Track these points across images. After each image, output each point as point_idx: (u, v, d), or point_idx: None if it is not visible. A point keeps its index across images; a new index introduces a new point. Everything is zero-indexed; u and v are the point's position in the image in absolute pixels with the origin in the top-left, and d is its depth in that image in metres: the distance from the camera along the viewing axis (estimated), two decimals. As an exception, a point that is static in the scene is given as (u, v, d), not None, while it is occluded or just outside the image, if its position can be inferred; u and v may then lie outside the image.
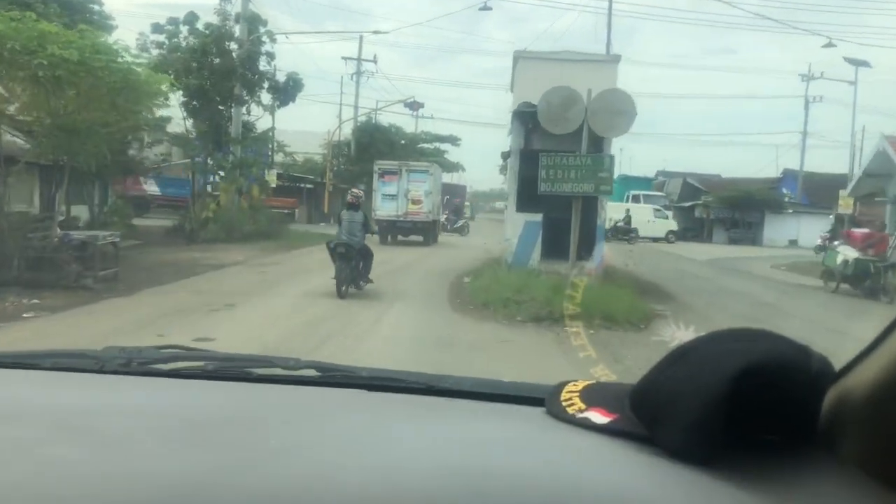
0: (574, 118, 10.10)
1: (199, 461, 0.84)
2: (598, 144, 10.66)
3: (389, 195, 26.22)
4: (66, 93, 10.99)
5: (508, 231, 13.83)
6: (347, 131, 45.69)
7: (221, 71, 23.31)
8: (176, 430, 0.94)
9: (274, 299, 11.08)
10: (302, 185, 42.71)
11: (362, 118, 45.80)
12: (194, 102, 23.35)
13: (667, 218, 41.31)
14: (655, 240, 37.26)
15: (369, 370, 1.35)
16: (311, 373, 1.30)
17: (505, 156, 15.42)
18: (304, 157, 45.43)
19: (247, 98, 24.72)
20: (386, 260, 16.38)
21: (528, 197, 13.28)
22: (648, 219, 39.35)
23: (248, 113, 26.52)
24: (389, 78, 73.00)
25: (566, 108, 10.01)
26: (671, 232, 40.13)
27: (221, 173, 23.93)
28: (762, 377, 0.76)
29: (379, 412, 1.11)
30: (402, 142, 51.02)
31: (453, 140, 53.85)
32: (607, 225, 17.35)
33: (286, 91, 26.34)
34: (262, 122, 28.09)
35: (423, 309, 10.89)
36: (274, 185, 39.07)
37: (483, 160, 76.72)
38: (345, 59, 44.66)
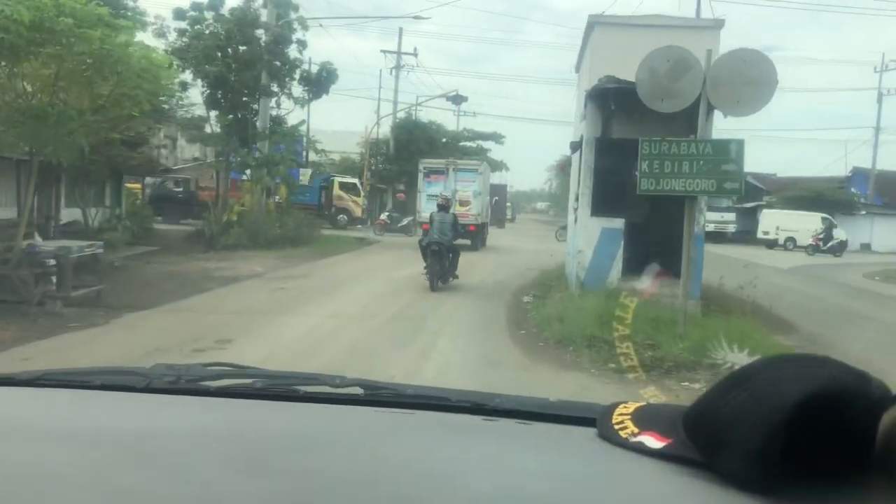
0: (687, 90, 7.35)
1: (263, 489, 0.83)
2: (691, 125, 7.86)
3: (435, 196, 24.84)
4: (24, 66, 8.63)
5: (580, 241, 11.09)
6: (386, 129, 43.35)
7: (246, 58, 21.07)
8: (235, 454, 0.94)
9: (284, 333, 8.54)
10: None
11: (401, 114, 43.36)
12: (217, 93, 21.21)
13: (732, 221, 38.50)
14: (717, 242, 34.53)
15: (415, 388, 1.34)
16: (357, 390, 1.29)
17: (575, 146, 12.64)
18: (340, 156, 43.15)
19: (275, 90, 22.43)
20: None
21: (605, 197, 10.59)
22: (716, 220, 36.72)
23: (278, 106, 24.30)
24: (430, 72, 70.16)
25: (676, 76, 7.27)
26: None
27: (248, 172, 21.63)
28: (823, 403, 0.75)
29: (427, 434, 1.09)
30: (444, 140, 48.72)
31: (497, 138, 51.10)
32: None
33: (319, 82, 24.00)
34: (294, 116, 25.76)
35: (479, 345, 8.26)
36: (307, 184, 37.19)
37: (523, 159, 72.90)
38: (384, 52, 42.41)
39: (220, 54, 20.62)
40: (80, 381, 1.31)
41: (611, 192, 10.42)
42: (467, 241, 23.25)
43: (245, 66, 20.92)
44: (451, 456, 0.96)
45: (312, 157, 34.84)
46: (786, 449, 0.75)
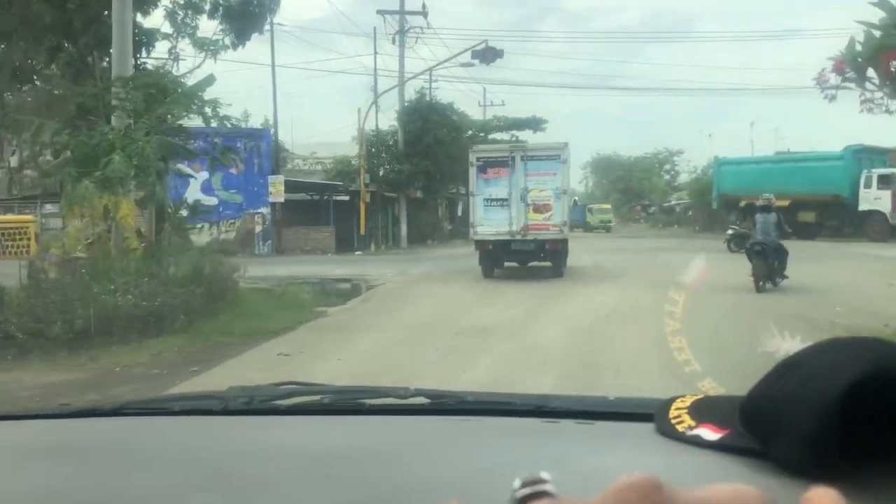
0: None
1: (330, 500, 0.86)
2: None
3: (497, 200, 15.33)
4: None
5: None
6: (391, 119, 31.85)
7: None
8: (304, 470, 0.97)
9: None
10: (325, 197, 28.98)
11: (411, 99, 31.82)
12: None
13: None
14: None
15: (476, 394, 1.40)
16: (422, 400, 1.32)
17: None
18: (333, 159, 31.74)
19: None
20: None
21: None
22: None
23: (175, 60, 13.21)
24: (443, 35, 57.55)
25: None
26: None
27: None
28: (875, 386, 0.74)
29: (487, 438, 1.12)
30: (470, 132, 37.36)
31: (537, 124, 39.26)
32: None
33: (246, 15, 13.13)
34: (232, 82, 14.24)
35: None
36: (281, 199, 25.82)
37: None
38: (380, 13, 30.85)
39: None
40: (160, 409, 1.37)
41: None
42: (546, 264, 15.40)
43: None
44: (512, 458, 0.98)
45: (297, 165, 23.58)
46: (843, 434, 0.74)
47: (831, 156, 28.91)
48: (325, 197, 28.76)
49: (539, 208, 15.21)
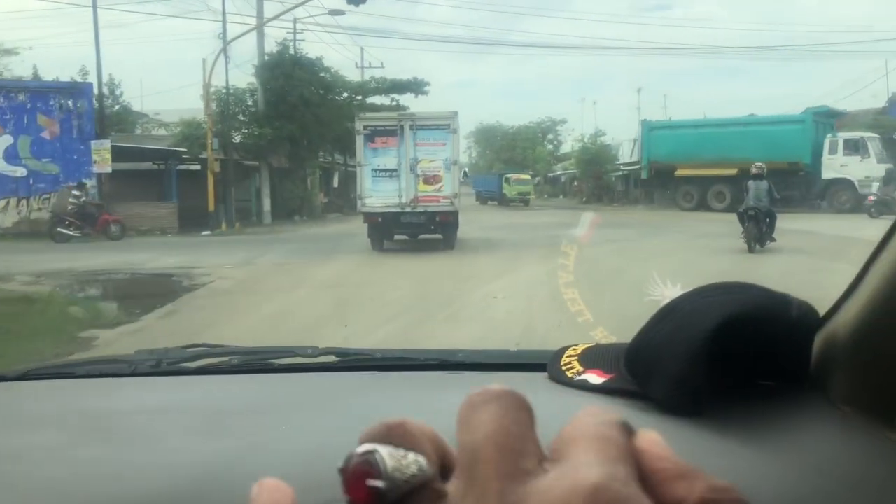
0: None
1: (213, 450, 0.86)
2: None
3: (386, 171, 14.99)
4: None
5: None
6: (251, 77, 27.35)
7: None
8: (196, 423, 0.97)
9: None
10: (166, 166, 24.34)
11: (272, 52, 27.43)
12: None
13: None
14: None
15: (384, 351, 1.39)
16: (331, 358, 1.34)
17: None
18: (181, 122, 26.90)
19: None
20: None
21: None
22: None
23: None
24: None
25: None
26: None
27: None
28: (742, 326, 0.78)
29: (392, 391, 1.15)
30: (345, 94, 33.70)
31: (419, 87, 35.95)
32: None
33: None
34: None
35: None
36: (108, 169, 21.19)
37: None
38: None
39: None
40: (66, 373, 1.35)
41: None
42: (437, 236, 15.22)
43: None
44: (416, 408, 1.00)
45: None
46: (719, 373, 0.77)
47: (789, 118, 26.68)
48: (171, 166, 24.15)
49: (429, 179, 14.84)
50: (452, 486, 0.30)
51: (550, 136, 63.78)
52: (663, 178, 28.43)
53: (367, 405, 1.04)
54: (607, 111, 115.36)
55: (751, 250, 12.32)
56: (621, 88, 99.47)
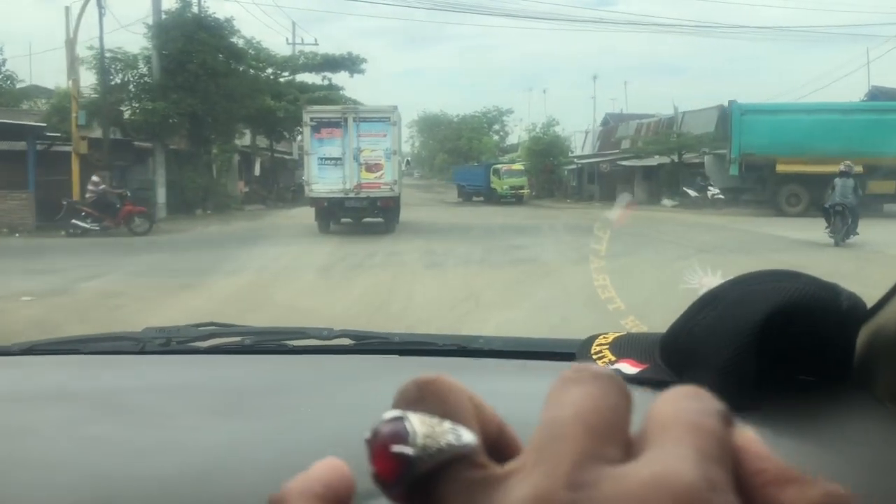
0: None
1: (228, 430, 0.85)
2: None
3: (331, 160, 16.41)
4: None
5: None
6: (142, 41, 22.45)
7: None
8: (210, 403, 0.95)
9: None
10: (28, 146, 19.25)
11: (170, 9, 22.66)
12: None
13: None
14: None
15: (402, 335, 1.36)
16: (346, 341, 1.32)
17: None
18: (55, 93, 21.89)
19: None
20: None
21: None
22: None
23: None
24: None
25: None
26: None
27: None
28: (791, 317, 0.74)
29: (409, 376, 0.88)
30: (269, 69, 29.49)
31: (354, 64, 31.85)
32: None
33: None
34: None
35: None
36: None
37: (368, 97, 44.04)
38: None
39: None
40: (73, 349, 1.33)
41: None
42: (379, 220, 16.59)
43: None
44: None
45: None
46: (761, 365, 0.74)
47: None
48: (29, 146, 19.18)
49: (371, 168, 16.42)
50: (518, 462, 0.27)
51: (497, 127, 60.70)
52: (758, 174, 22.46)
53: (385, 390, 0.97)
54: (560, 102, 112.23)
55: (836, 244, 13.02)
56: (576, 79, 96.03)
